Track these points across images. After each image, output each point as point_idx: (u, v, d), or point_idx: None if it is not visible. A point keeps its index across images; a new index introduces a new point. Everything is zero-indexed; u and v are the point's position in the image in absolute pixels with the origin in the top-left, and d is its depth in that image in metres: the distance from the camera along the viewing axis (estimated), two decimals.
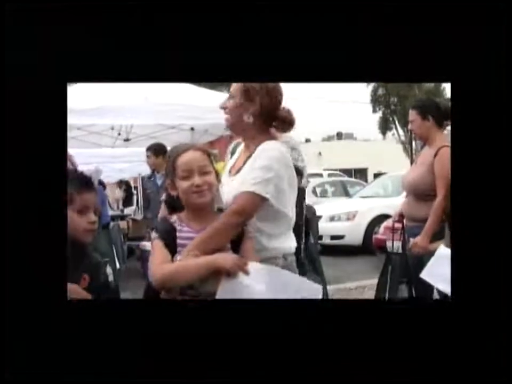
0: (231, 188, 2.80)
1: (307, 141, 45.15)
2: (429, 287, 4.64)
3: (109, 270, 2.71)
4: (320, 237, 11.46)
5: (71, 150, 4.97)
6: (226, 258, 2.45)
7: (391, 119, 41.61)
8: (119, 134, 9.28)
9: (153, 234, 2.62)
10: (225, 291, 2.37)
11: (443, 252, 3.54)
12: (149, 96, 7.33)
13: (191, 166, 2.60)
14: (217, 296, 2.37)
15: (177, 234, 2.60)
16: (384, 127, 42.35)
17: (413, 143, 35.61)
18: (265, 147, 2.77)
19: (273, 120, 2.86)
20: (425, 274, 3.75)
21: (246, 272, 2.40)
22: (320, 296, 2.60)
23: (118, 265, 8.03)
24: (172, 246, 2.56)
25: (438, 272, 3.47)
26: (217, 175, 2.72)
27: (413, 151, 35.73)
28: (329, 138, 53.60)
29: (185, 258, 2.48)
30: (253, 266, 2.43)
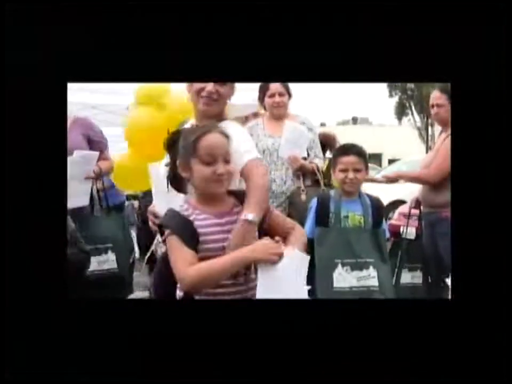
0: None
1: (322, 124, 44.94)
2: (442, 273, 4.71)
3: (110, 256, 2.60)
4: None
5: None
6: (258, 249, 2.31)
7: (407, 104, 41.35)
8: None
9: (166, 232, 2.40)
10: (264, 286, 2.27)
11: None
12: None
13: (215, 151, 2.41)
14: (258, 294, 2.27)
15: (196, 224, 2.42)
16: (400, 112, 42.07)
17: (429, 129, 35.38)
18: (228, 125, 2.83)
19: None
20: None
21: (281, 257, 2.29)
22: None
23: (136, 251, 7.00)
24: (191, 240, 2.38)
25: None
26: None
27: (429, 137, 35.51)
28: (344, 123, 53.32)
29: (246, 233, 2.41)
30: (288, 252, 2.32)
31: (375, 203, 4.05)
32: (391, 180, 5.03)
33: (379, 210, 4.05)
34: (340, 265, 3.69)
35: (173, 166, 2.55)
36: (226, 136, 2.48)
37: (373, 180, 5.10)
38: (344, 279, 3.67)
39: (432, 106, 4.95)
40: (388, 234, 4.08)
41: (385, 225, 4.10)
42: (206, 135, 2.43)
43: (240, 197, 2.59)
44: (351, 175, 3.87)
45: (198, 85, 2.90)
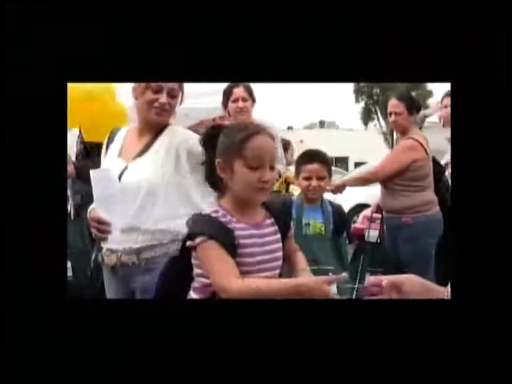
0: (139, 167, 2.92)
1: (289, 128, 45.04)
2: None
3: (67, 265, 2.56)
4: None
5: None
6: (313, 281, 2.23)
7: (373, 109, 41.69)
8: None
9: (199, 238, 2.25)
10: None
11: None
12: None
13: (264, 155, 2.25)
14: None
15: (236, 233, 2.28)
16: (366, 117, 42.44)
17: (394, 134, 35.65)
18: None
19: None
20: None
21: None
22: None
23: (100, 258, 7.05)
24: (232, 250, 2.25)
25: None
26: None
27: (394, 142, 35.78)
28: (311, 126, 53.49)
29: None
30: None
31: (337, 210, 4.07)
32: (338, 189, 5.04)
33: (341, 218, 4.08)
34: None
35: (209, 164, 2.39)
36: (274, 139, 2.35)
37: None
38: None
39: (390, 114, 5.03)
40: (346, 241, 4.12)
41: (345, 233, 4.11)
42: (256, 136, 2.27)
43: (269, 208, 2.47)
44: (314, 182, 3.89)
45: (150, 96, 2.93)
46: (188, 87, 3.10)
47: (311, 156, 4.02)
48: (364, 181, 5.26)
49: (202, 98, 6.78)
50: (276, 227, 2.44)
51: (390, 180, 4.83)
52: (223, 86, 4.97)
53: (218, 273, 2.25)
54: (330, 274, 3.49)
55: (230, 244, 2.25)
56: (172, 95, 3.00)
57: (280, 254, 2.43)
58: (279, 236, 2.43)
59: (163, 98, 2.94)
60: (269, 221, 2.42)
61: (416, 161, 4.72)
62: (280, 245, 2.43)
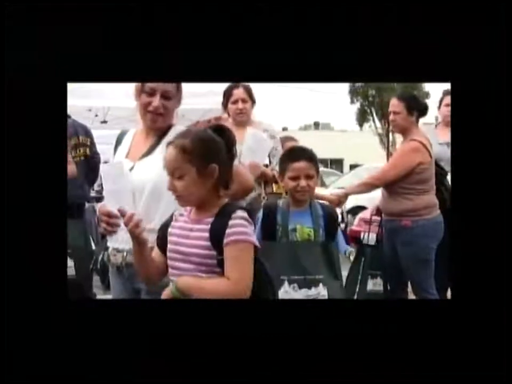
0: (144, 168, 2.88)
1: (284, 129, 44.99)
2: (402, 281, 4.78)
3: (68, 263, 2.55)
4: None
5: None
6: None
7: (368, 110, 41.66)
8: (96, 115, 9.14)
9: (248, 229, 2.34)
10: None
11: None
12: None
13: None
14: None
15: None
16: (362, 118, 42.38)
17: (390, 135, 35.69)
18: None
19: None
20: None
21: None
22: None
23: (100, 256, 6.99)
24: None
25: None
26: None
27: (390, 144, 35.83)
28: (306, 128, 53.52)
29: None
30: None
31: (328, 212, 3.69)
32: (341, 201, 4.97)
33: (332, 221, 3.69)
34: (286, 283, 3.39)
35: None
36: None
37: (323, 198, 4.74)
38: (291, 297, 3.36)
39: (390, 113, 5.00)
40: (343, 245, 3.78)
41: (340, 236, 3.77)
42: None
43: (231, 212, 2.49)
44: (303, 182, 3.52)
45: (144, 99, 2.91)
46: (185, 87, 3.08)
47: (298, 153, 3.66)
48: (369, 186, 5.14)
49: (197, 99, 6.77)
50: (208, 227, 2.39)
51: (395, 183, 4.78)
52: (218, 86, 4.94)
53: (243, 271, 2.34)
54: (320, 284, 3.41)
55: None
56: (166, 97, 2.99)
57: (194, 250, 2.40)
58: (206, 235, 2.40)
59: (156, 101, 2.92)
60: (207, 220, 2.41)
61: (421, 164, 4.67)
62: (200, 242, 2.39)
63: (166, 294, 2.33)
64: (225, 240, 2.27)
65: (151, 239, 2.81)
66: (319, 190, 4.50)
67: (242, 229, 2.29)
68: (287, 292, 3.35)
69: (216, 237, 2.29)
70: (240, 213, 2.31)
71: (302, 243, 3.54)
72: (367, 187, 5.11)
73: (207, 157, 2.30)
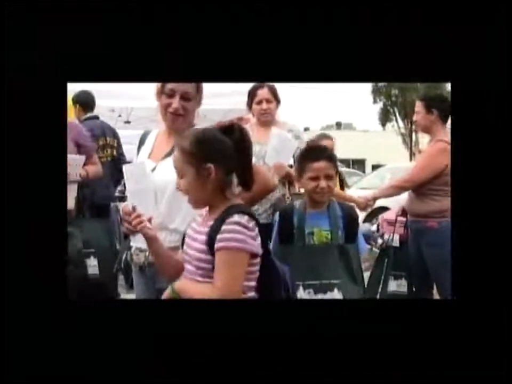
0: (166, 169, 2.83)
1: (306, 129, 44.94)
2: (427, 282, 4.74)
3: (92, 261, 2.57)
4: None
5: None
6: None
7: (391, 110, 41.54)
8: (120, 116, 9.21)
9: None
10: None
11: None
12: None
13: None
14: None
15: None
16: (384, 118, 42.28)
17: (413, 135, 35.57)
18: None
19: None
20: None
21: None
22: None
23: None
24: None
25: None
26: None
27: (413, 144, 35.71)
28: (328, 128, 53.37)
29: None
30: None
31: (348, 213, 3.53)
32: (369, 203, 4.93)
33: (351, 222, 3.53)
34: (301, 288, 3.26)
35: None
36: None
37: (351, 200, 4.78)
38: None
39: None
40: (365, 247, 3.66)
41: (361, 239, 3.61)
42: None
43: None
44: (323, 183, 3.39)
45: (164, 100, 2.93)
46: (206, 88, 3.08)
47: (317, 153, 3.52)
48: (398, 189, 5.09)
49: (219, 99, 6.78)
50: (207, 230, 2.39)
51: (424, 185, 4.75)
52: (242, 86, 4.92)
53: (239, 279, 2.33)
54: (335, 289, 3.30)
55: None
56: (186, 98, 2.99)
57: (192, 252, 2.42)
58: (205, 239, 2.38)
59: (175, 103, 2.93)
60: (209, 223, 2.39)
61: (449, 164, 4.63)
62: (200, 246, 2.38)
63: (166, 295, 2.36)
64: (215, 246, 2.25)
65: (173, 238, 2.84)
66: (345, 192, 4.44)
67: (233, 235, 2.24)
68: (302, 297, 3.25)
69: (211, 241, 2.27)
70: (236, 217, 2.26)
71: (319, 247, 3.44)
72: (396, 190, 5.06)
73: (204, 157, 2.29)
